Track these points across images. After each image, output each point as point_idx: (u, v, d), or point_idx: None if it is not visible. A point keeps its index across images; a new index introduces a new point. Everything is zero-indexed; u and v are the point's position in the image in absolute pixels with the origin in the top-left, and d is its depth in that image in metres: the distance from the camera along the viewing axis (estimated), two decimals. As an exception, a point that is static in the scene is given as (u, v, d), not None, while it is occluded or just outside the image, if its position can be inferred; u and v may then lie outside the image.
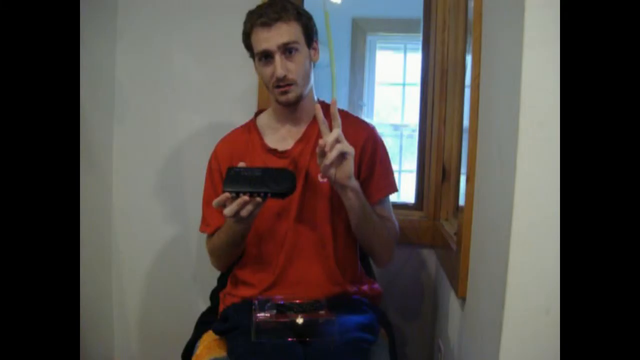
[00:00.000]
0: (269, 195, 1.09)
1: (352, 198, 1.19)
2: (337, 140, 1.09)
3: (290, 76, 1.22)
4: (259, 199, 1.09)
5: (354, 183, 1.17)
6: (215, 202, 1.11)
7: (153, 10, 1.79)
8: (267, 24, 1.20)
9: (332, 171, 1.12)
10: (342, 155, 1.10)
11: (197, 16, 1.77)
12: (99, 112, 1.78)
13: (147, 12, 1.80)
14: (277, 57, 1.21)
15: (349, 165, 1.13)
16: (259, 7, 1.24)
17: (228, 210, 1.09)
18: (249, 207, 1.09)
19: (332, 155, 1.09)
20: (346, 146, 1.10)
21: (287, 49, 1.21)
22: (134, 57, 1.82)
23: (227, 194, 1.09)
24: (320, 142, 1.10)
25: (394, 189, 1.35)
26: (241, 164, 1.13)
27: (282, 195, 1.09)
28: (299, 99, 1.27)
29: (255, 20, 1.21)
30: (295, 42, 1.21)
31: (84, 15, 1.35)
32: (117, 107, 1.83)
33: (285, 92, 1.24)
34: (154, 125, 1.83)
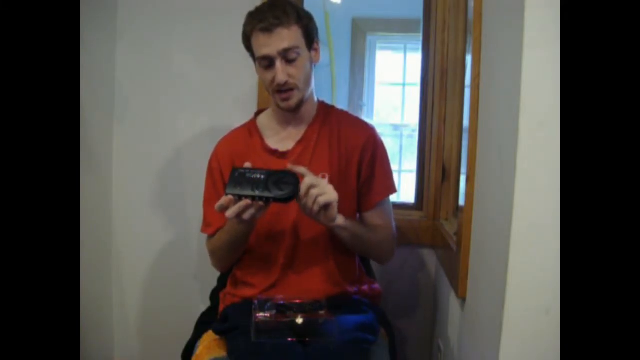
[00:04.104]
0: (271, 200, 1.08)
1: (341, 234, 1.22)
2: (312, 187, 1.09)
3: (292, 81, 1.22)
4: (260, 204, 1.08)
5: (340, 221, 1.18)
6: (217, 205, 1.10)
7: (153, 10, 1.79)
8: (268, 30, 1.19)
9: (315, 215, 1.12)
10: (325, 206, 1.11)
11: (197, 16, 1.77)
12: (99, 112, 1.77)
13: (147, 12, 1.80)
14: (278, 63, 1.20)
15: (333, 211, 1.13)
16: (259, 10, 1.23)
17: (230, 213, 1.08)
18: (251, 211, 1.09)
19: (314, 210, 1.10)
20: (328, 196, 1.10)
21: (288, 54, 1.20)
22: (134, 57, 1.81)
23: (229, 197, 1.08)
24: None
25: (393, 190, 1.36)
26: (247, 165, 1.12)
27: (285, 201, 1.08)
28: (300, 104, 1.27)
29: (255, 25, 1.20)
30: (296, 47, 1.21)
31: (84, 15, 1.35)
32: (117, 107, 1.83)
33: (287, 99, 1.24)
34: (154, 125, 1.83)
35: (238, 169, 1.11)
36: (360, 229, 1.27)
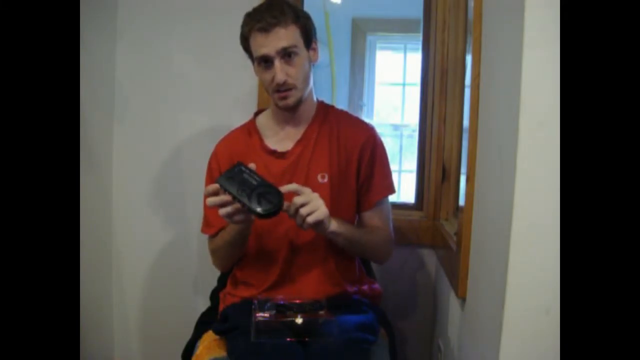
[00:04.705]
0: (246, 209, 1.06)
1: (336, 239, 1.23)
2: (302, 205, 1.10)
3: (290, 81, 1.22)
4: (237, 206, 1.08)
5: (333, 228, 1.18)
6: (206, 189, 1.12)
7: (153, 10, 1.79)
8: (266, 30, 1.19)
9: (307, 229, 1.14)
10: (316, 223, 1.12)
11: (197, 16, 1.77)
12: (99, 112, 1.77)
13: (147, 12, 1.80)
14: (277, 62, 1.20)
15: (324, 226, 1.15)
16: (256, 11, 1.23)
17: (209, 201, 1.10)
18: (227, 209, 1.08)
19: (304, 227, 1.12)
20: (317, 214, 1.11)
21: (287, 54, 1.21)
22: (134, 57, 1.82)
23: (216, 185, 1.09)
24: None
25: (392, 190, 1.36)
26: (251, 166, 1.13)
27: (258, 215, 1.06)
28: (298, 103, 1.27)
29: (253, 25, 1.20)
30: (294, 46, 1.21)
31: (84, 15, 1.35)
32: (117, 107, 1.83)
33: (285, 98, 1.24)
34: (154, 125, 1.83)
35: (241, 165, 1.11)
36: (355, 232, 1.28)
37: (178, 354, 1.34)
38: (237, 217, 1.10)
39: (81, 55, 1.43)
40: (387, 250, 1.36)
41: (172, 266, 1.85)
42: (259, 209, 1.05)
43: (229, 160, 1.31)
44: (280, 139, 1.33)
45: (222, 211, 1.09)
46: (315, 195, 1.13)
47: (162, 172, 1.83)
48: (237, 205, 1.07)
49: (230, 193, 1.07)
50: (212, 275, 1.49)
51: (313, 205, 1.11)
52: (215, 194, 1.09)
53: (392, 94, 2.66)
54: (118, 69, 1.82)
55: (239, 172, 1.10)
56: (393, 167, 1.40)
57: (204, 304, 1.52)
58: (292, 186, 1.13)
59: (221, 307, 1.36)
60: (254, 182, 1.08)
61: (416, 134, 1.76)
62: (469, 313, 1.04)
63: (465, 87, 1.20)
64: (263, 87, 1.30)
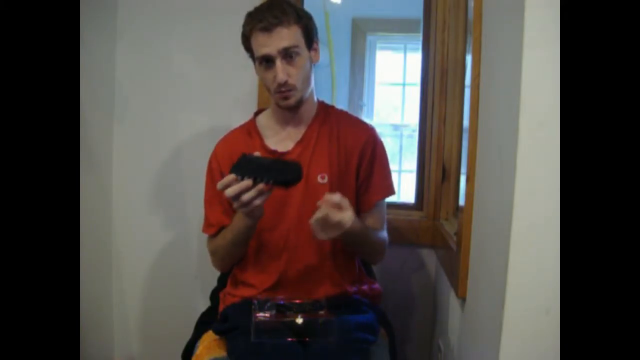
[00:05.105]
0: (271, 182, 1.08)
1: (346, 235, 1.18)
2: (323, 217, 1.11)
3: (291, 81, 1.22)
4: (261, 186, 1.08)
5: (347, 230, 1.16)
6: (220, 183, 1.10)
7: (153, 10, 1.79)
8: (267, 29, 1.19)
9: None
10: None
11: (197, 16, 1.77)
12: (99, 112, 1.78)
13: (147, 12, 1.80)
14: (278, 62, 1.20)
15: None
16: (258, 10, 1.23)
17: (230, 190, 1.08)
18: (251, 193, 1.08)
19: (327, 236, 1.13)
20: (322, 235, 1.13)
21: (288, 54, 1.21)
22: (134, 57, 1.82)
23: (232, 176, 1.08)
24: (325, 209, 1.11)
25: (391, 191, 1.35)
26: (256, 153, 1.13)
27: (285, 183, 1.09)
28: (299, 103, 1.27)
29: (255, 25, 1.20)
30: (295, 46, 1.21)
31: (84, 15, 1.35)
32: (117, 107, 1.83)
33: (287, 98, 1.24)
34: (154, 125, 1.83)
35: (246, 155, 1.13)
36: (363, 226, 1.26)
37: (178, 354, 1.34)
38: (258, 200, 1.09)
39: (81, 55, 1.43)
40: (383, 251, 1.36)
41: (172, 266, 1.85)
42: (285, 178, 1.09)
43: (229, 160, 1.30)
44: (281, 139, 1.33)
45: (245, 197, 1.08)
46: (343, 216, 1.12)
47: (162, 172, 1.83)
48: (260, 186, 1.08)
49: (249, 177, 1.08)
50: (212, 275, 1.49)
51: (328, 225, 1.12)
52: (228, 185, 1.09)
53: (392, 94, 2.66)
54: (118, 69, 1.82)
55: (247, 160, 1.12)
56: (393, 167, 1.40)
57: (204, 304, 1.52)
58: (331, 196, 1.12)
59: (221, 307, 1.35)
60: (266, 162, 1.12)
61: (416, 134, 1.76)
62: (469, 313, 1.04)
63: (465, 87, 1.20)
64: (264, 86, 1.30)
